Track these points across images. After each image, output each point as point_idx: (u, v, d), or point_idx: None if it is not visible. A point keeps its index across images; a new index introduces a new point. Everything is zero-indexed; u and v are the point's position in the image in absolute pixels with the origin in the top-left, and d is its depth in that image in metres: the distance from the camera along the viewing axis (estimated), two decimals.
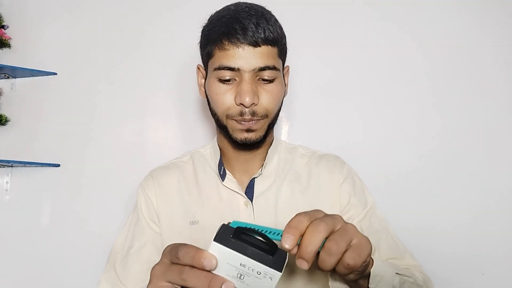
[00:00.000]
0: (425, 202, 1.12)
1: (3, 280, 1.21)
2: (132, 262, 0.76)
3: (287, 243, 0.39)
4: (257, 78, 0.68)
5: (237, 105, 0.68)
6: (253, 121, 0.69)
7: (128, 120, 1.23)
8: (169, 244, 0.43)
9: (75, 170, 1.23)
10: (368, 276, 0.51)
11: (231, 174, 0.77)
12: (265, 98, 0.69)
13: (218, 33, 0.66)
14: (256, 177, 0.77)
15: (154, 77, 1.24)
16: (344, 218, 0.46)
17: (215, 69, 0.68)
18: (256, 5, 0.70)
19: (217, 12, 0.71)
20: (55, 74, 1.26)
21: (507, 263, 1.08)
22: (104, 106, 1.25)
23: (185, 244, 0.41)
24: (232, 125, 0.70)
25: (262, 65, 0.66)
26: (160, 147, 1.21)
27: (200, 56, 0.75)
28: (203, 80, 0.76)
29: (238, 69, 0.66)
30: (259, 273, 0.38)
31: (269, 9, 0.72)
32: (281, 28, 0.71)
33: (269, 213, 0.74)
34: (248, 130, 0.70)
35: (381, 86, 1.17)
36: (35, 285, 1.20)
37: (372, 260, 0.51)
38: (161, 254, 0.43)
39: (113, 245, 0.81)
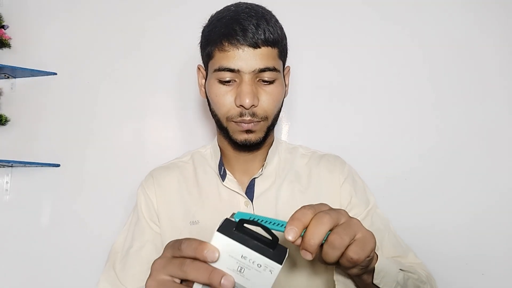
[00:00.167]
0: (425, 202, 1.12)
1: (3, 280, 1.21)
2: (131, 262, 0.76)
3: (290, 235, 0.40)
4: (257, 79, 0.68)
5: (237, 106, 0.68)
6: (253, 123, 0.69)
7: (128, 120, 1.23)
8: None
9: (75, 170, 1.23)
10: (372, 271, 0.51)
11: (231, 174, 0.77)
12: (265, 100, 0.68)
13: (218, 34, 0.66)
14: (257, 177, 0.77)
15: (154, 77, 1.24)
16: None
17: (215, 70, 0.68)
18: (257, 5, 0.70)
19: (218, 13, 0.71)
20: (55, 74, 1.26)
21: (507, 263, 1.08)
22: (104, 106, 1.25)
23: (188, 238, 0.41)
24: (232, 127, 0.70)
25: (262, 66, 0.66)
26: (160, 147, 1.21)
27: (200, 56, 0.75)
28: (204, 81, 0.76)
29: (238, 71, 0.66)
30: (259, 265, 0.39)
31: (269, 9, 0.72)
32: (281, 28, 0.71)
33: (269, 213, 0.74)
34: (248, 131, 0.70)
35: (381, 86, 1.17)
36: (35, 285, 1.20)
37: (377, 255, 0.51)
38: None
39: (113, 244, 0.81)
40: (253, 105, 0.67)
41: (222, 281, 0.38)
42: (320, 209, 0.43)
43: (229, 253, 0.39)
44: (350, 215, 0.75)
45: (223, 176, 0.77)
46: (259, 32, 0.65)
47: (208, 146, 0.86)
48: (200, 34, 0.73)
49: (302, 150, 0.85)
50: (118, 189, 1.19)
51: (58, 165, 1.24)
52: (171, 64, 1.23)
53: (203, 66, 0.76)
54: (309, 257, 0.41)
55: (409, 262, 0.71)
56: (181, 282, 0.41)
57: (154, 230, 0.78)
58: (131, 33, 1.25)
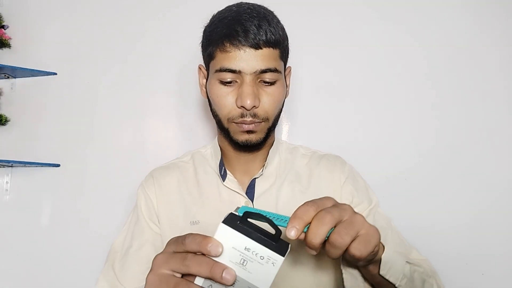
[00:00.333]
0: (425, 202, 1.12)
1: (3, 280, 1.21)
2: (130, 261, 0.76)
3: (291, 234, 0.40)
4: (258, 80, 0.68)
5: (238, 107, 0.68)
6: (254, 124, 0.69)
7: (128, 120, 1.23)
8: None
9: (75, 170, 1.23)
10: (378, 262, 0.51)
11: (231, 175, 0.77)
12: (266, 101, 0.68)
13: (219, 34, 0.66)
14: (257, 178, 0.77)
15: (154, 77, 1.24)
16: None
17: (217, 71, 0.68)
18: (258, 6, 0.70)
19: (219, 13, 0.71)
20: (55, 74, 1.26)
21: (507, 263, 1.08)
22: (104, 106, 1.25)
23: (192, 233, 0.41)
24: (233, 128, 0.70)
25: (263, 67, 0.66)
26: (160, 147, 1.21)
27: (201, 56, 0.75)
28: (205, 80, 0.76)
29: (239, 72, 0.66)
30: (262, 257, 0.39)
31: (271, 10, 0.71)
32: (283, 29, 0.71)
33: None
34: (249, 132, 0.70)
35: (382, 86, 1.17)
36: (35, 285, 1.20)
37: (383, 246, 0.51)
38: None
39: (112, 244, 0.81)
40: (254, 106, 0.67)
41: (223, 274, 0.38)
42: (323, 206, 0.43)
43: (232, 245, 0.39)
44: None
45: (223, 176, 0.77)
46: (261, 33, 0.65)
47: (208, 146, 0.86)
48: (201, 34, 0.73)
49: (302, 150, 0.85)
50: (118, 189, 1.19)
51: (58, 165, 1.24)
52: (171, 64, 1.23)
53: (204, 66, 0.76)
54: (313, 253, 0.42)
55: (414, 258, 0.71)
56: (182, 277, 0.41)
57: (154, 230, 0.78)
58: (131, 33, 1.25)
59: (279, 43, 0.68)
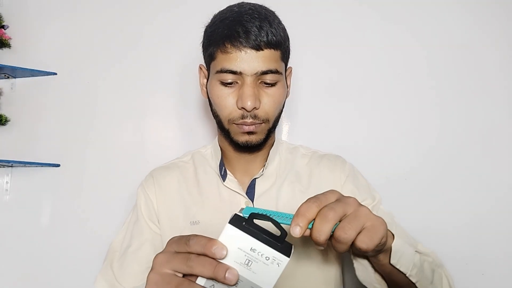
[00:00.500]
0: (425, 202, 1.12)
1: (3, 280, 1.21)
2: (129, 261, 0.76)
3: (295, 232, 0.41)
4: (259, 81, 0.68)
5: (239, 109, 0.68)
6: (255, 125, 0.69)
7: (128, 120, 1.23)
8: None
9: (75, 170, 1.23)
10: (388, 251, 0.51)
11: (232, 175, 0.77)
12: (267, 102, 0.68)
13: (220, 35, 0.66)
14: (257, 178, 0.77)
15: (154, 77, 1.23)
16: None
17: (217, 71, 0.68)
18: (260, 6, 0.69)
19: (220, 13, 0.71)
20: (55, 74, 1.26)
21: (507, 263, 1.08)
22: (104, 106, 1.24)
23: (196, 234, 0.42)
24: (233, 129, 0.70)
25: (264, 69, 0.66)
26: (160, 147, 1.21)
27: (202, 56, 0.75)
28: (205, 80, 0.76)
29: (240, 73, 0.66)
30: (267, 258, 0.40)
31: (272, 10, 0.71)
32: (284, 30, 0.71)
33: None
34: (249, 133, 0.70)
35: (382, 86, 1.17)
36: (35, 285, 1.20)
37: (393, 235, 0.51)
38: None
39: (111, 243, 0.81)
40: (255, 107, 0.67)
41: (226, 274, 0.38)
42: (326, 201, 0.43)
43: (238, 245, 0.40)
44: None
45: (223, 176, 0.77)
46: (262, 34, 0.64)
47: (208, 146, 0.86)
48: (201, 33, 0.73)
49: (302, 150, 0.85)
50: (118, 189, 1.19)
51: (58, 165, 1.24)
52: (171, 63, 1.23)
53: (204, 66, 0.76)
54: (320, 248, 0.43)
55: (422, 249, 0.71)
56: (183, 276, 0.41)
57: (153, 230, 0.78)
58: (131, 33, 1.25)
59: (280, 44, 0.68)
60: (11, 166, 1.24)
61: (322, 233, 0.41)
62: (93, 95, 1.25)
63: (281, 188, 0.77)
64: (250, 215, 0.41)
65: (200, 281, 0.40)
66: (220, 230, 0.41)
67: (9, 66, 1.19)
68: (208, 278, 0.40)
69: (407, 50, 1.17)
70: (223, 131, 0.73)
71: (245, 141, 0.71)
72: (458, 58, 1.15)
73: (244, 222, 0.41)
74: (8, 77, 1.26)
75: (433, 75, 1.16)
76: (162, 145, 1.21)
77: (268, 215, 0.42)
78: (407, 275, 0.53)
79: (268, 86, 0.68)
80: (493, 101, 1.13)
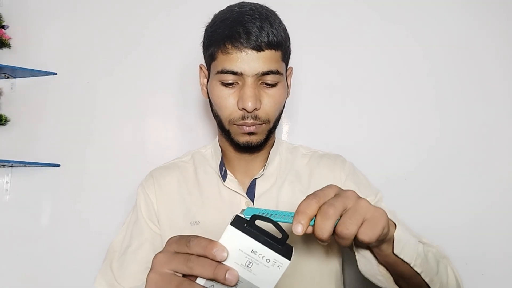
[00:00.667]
0: (425, 202, 1.12)
1: (3, 280, 1.21)
2: (129, 261, 0.76)
3: (297, 230, 0.41)
4: (260, 82, 0.67)
5: (240, 109, 0.67)
6: (255, 126, 0.69)
7: (128, 120, 1.23)
8: None
9: (75, 170, 1.23)
10: (391, 241, 0.50)
11: (232, 175, 0.77)
12: (267, 103, 0.68)
13: (221, 36, 0.66)
14: (258, 178, 0.77)
15: (154, 77, 1.23)
16: None
17: (218, 72, 0.67)
18: (260, 6, 0.69)
19: (221, 13, 0.70)
20: (55, 74, 1.26)
21: (507, 263, 1.08)
22: (104, 106, 1.24)
23: (196, 235, 0.42)
24: (234, 129, 0.70)
25: (265, 69, 0.66)
26: (160, 147, 1.21)
27: (202, 56, 0.75)
28: (206, 80, 0.76)
29: (241, 74, 0.65)
30: (268, 260, 0.40)
31: (273, 10, 0.71)
32: (285, 30, 0.70)
33: None
34: (250, 134, 0.70)
35: (382, 86, 1.17)
36: (35, 285, 1.20)
37: (395, 224, 0.51)
38: None
39: (111, 243, 0.81)
40: (256, 108, 0.67)
41: (226, 275, 0.38)
42: (325, 197, 0.43)
43: (239, 247, 0.40)
44: None
45: (224, 177, 0.77)
46: (263, 34, 0.64)
47: (208, 146, 0.86)
48: (202, 33, 0.73)
49: (302, 150, 0.84)
50: (118, 189, 1.19)
51: (58, 165, 1.24)
52: (171, 63, 1.23)
53: (205, 65, 0.76)
54: (324, 244, 0.43)
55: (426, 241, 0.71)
56: (183, 276, 0.41)
57: (153, 230, 0.78)
58: (131, 33, 1.25)
59: (281, 44, 0.67)
60: (11, 166, 1.24)
61: (324, 230, 0.41)
62: (93, 95, 1.25)
63: (282, 188, 0.77)
64: (252, 217, 0.41)
65: (200, 280, 0.40)
66: (220, 230, 0.40)
67: (9, 66, 1.19)
68: (208, 279, 0.40)
69: (407, 50, 1.17)
70: (224, 131, 0.72)
71: (246, 142, 0.71)
72: (458, 58, 1.15)
73: (246, 224, 0.41)
74: (8, 77, 1.26)
75: (433, 75, 1.16)
76: (162, 145, 1.21)
77: (269, 216, 0.42)
78: (411, 265, 0.52)
79: (269, 87, 0.68)
80: (493, 101, 1.13)
